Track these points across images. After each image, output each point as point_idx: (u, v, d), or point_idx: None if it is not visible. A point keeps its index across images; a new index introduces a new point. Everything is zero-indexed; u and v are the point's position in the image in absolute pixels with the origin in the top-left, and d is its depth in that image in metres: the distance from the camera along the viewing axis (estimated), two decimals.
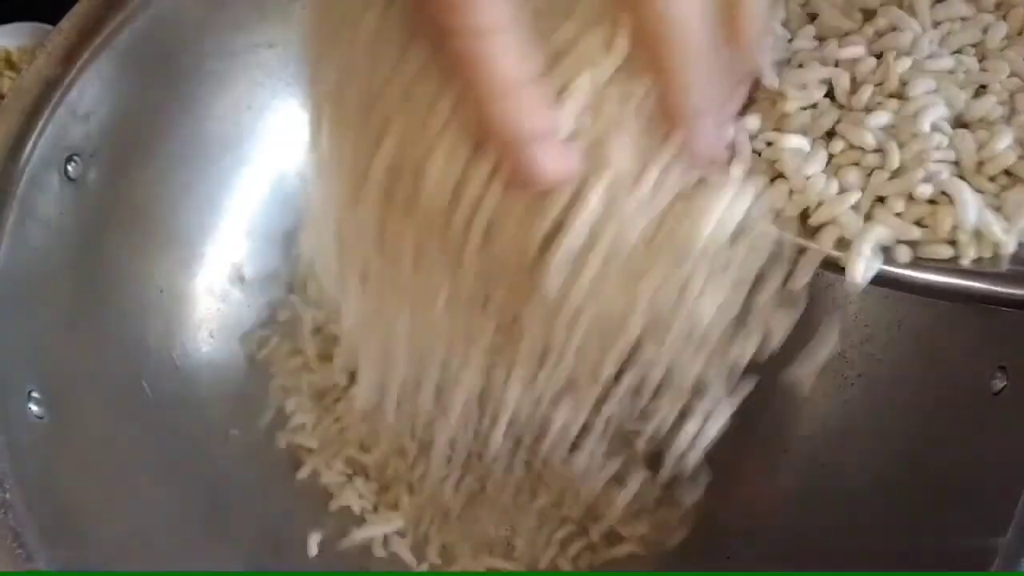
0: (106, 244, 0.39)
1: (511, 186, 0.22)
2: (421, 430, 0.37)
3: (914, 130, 0.24)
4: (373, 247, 0.26)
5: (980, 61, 0.26)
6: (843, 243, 0.24)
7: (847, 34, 0.27)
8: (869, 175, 0.25)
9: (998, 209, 0.24)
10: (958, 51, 0.26)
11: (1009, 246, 0.23)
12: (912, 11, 0.27)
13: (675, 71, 0.21)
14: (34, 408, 0.33)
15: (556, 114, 0.21)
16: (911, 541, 0.34)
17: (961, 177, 0.24)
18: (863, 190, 0.24)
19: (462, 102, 0.21)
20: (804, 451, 0.41)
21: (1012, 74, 0.26)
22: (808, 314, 0.43)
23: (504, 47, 0.19)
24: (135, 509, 0.37)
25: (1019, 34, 0.27)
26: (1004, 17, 0.27)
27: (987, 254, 0.24)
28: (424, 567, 0.41)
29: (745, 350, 0.27)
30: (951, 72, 0.26)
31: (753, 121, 0.25)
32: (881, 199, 0.24)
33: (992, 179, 0.24)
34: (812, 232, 0.25)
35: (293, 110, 0.46)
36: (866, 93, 0.26)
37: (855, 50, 0.26)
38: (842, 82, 0.26)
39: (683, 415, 0.30)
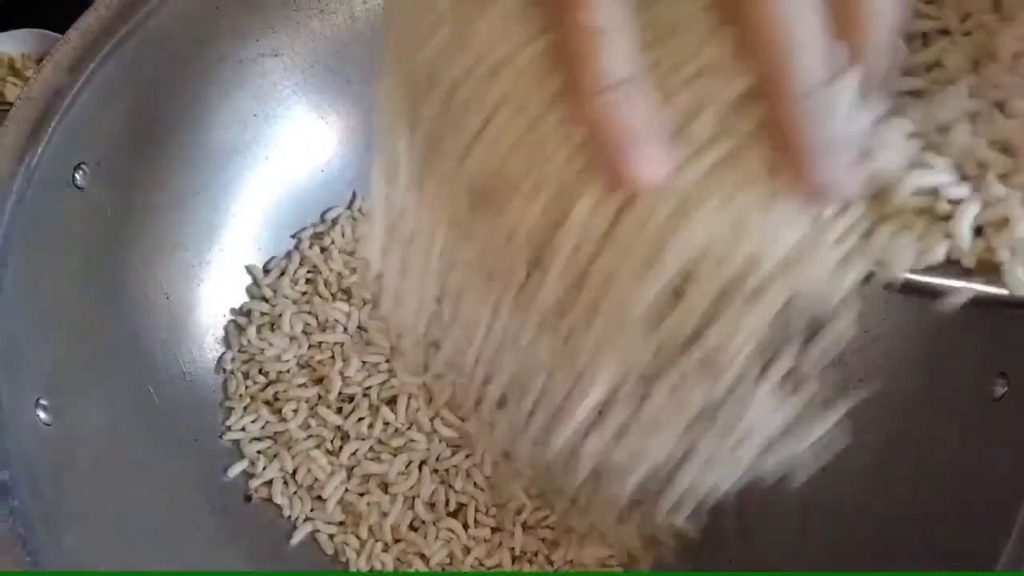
0: (113, 251, 0.40)
1: (607, 186, 0.21)
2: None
3: None
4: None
5: None
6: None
7: None
8: None
9: None
10: None
11: None
12: None
13: (786, 81, 0.19)
14: (42, 415, 0.33)
15: (661, 115, 0.20)
16: (913, 545, 0.34)
17: None
18: None
19: (566, 96, 0.21)
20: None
21: None
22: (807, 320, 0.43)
23: (613, 45, 0.20)
24: (142, 514, 0.37)
25: None
26: None
27: None
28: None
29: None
30: None
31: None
32: None
33: None
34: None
35: (298, 118, 0.47)
36: None
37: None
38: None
39: None
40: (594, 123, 0.20)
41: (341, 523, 0.42)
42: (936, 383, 0.37)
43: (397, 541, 0.41)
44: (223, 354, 0.44)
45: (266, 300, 0.46)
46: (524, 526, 0.42)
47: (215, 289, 0.45)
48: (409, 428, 0.43)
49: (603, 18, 0.20)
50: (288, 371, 0.44)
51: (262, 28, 0.44)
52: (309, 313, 0.45)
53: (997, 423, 0.33)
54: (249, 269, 0.46)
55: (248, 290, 0.46)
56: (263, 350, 0.44)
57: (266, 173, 0.46)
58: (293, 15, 0.44)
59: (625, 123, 0.20)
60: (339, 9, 0.45)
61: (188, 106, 0.42)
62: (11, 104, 0.35)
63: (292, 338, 0.44)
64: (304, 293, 0.46)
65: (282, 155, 0.46)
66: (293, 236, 0.47)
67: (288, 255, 0.47)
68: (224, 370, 0.44)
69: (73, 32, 0.37)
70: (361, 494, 0.42)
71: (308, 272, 0.46)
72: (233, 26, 0.42)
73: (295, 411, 0.43)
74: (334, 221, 0.48)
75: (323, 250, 0.47)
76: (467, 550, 0.41)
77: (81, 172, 0.37)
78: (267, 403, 0.43)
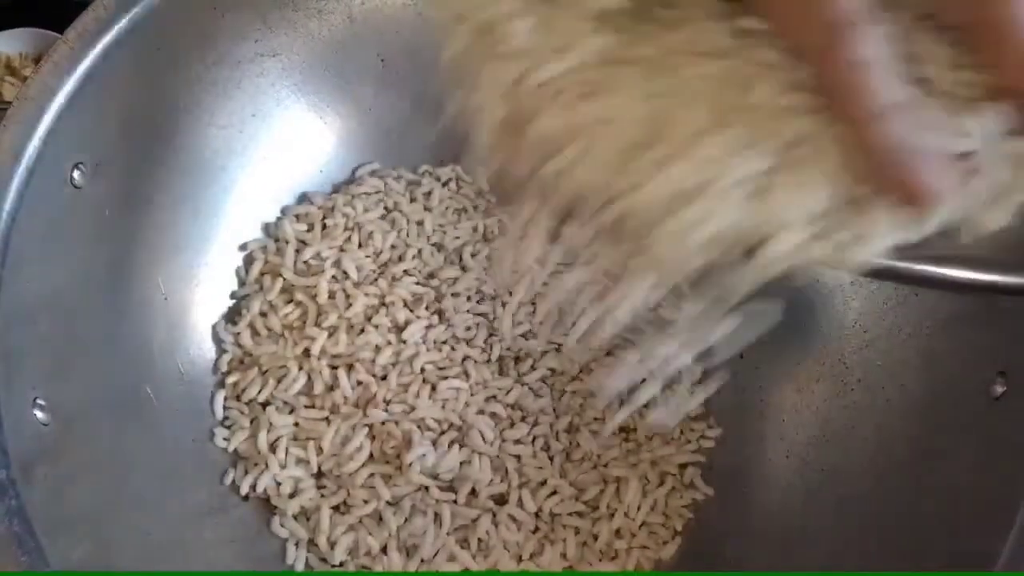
0: (111, 251, 0.39)
1: (901, 200, 0.22)
2: None
3: None
4: None
5: None
6: None
7: None
8: None
9: None
10: None
11: None
12: None
13: None
14: (39, 415, 0.33)
15: (940, 132, 0.21)
16: (913, 545, 0.34)
17: None
18: None
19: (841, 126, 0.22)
20: (805, 456, 0.42)
21: None
22: (808, 321, 0.44)
23: (883, 73, 0.21)
24: (139, 515, 0.37)
25: None
26: None
27: None
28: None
29: None
30: None
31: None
32: None
33: None
34: None
35: (297, 118, 0.47)
36: None
37: None
38: None
39: None
40: (877, 147, 0.21)
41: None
42: (935, 383, 0.38)
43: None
44: (221, 355, 0.44)
45: (259, 299, 0.45)
46: None
47: (214, 290, 0.45)
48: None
49: (870, 52, 0.21)
50: (284, 370, 0.44)
51: (260, 29, 0.44)
52: (303, 313, 0.45)
53: (996, 422, 0.33)
54: (237, 271, 0.46)
55: (242, 290, 0.46)
56: (258, 351, 0.44)
57: (265, 173, 0.46)
58: (291, 16, 0.44)
59: (912, 143, 0.21)
60: (337, 9, 0.45)
61: (186, 106, 0.42)
62: (9, 103, 0.35)
63: (284, 338, 0.44)
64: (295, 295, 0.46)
65: (281, 155, 0.46)
66: (278, 241, 0.47)
67: (278, 251, 0.46)
68: (221, 371, 0.44)
69: (71, 32, 0.37)
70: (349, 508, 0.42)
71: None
72: (232, 26, 0.42)
73: (292, 411, 0.43)
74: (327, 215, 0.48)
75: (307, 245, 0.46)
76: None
77: (79, 172, 0.37)
78: (264, 404, 0.43)
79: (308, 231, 0.47)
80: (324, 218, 0.47)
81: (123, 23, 0.37)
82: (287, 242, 0.46)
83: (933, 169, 0.21)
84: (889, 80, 0.21)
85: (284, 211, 0.47)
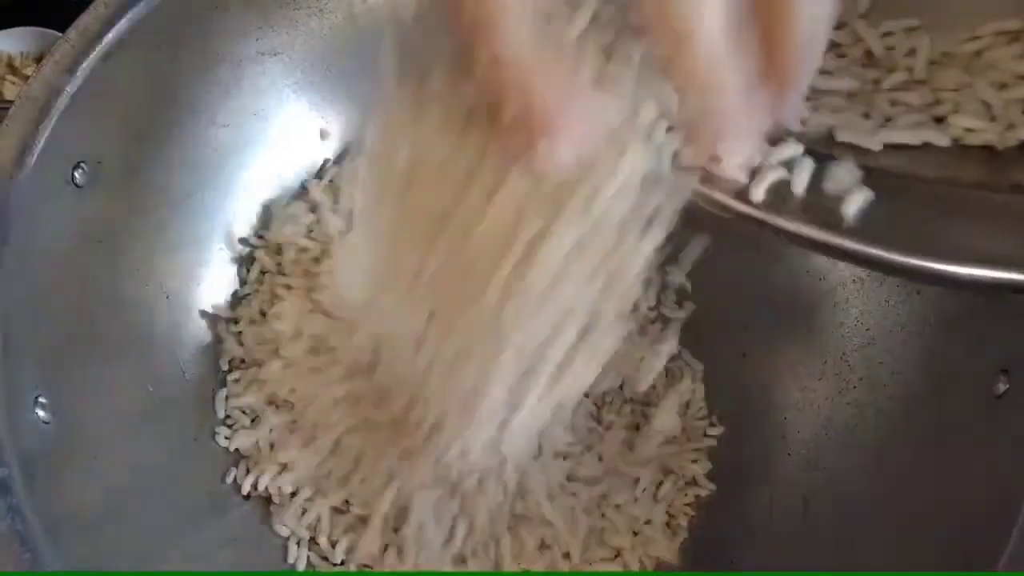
0: (112, 250, 0.39)
1: (518, 161, 0.21)
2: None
3: None
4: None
5: None
6: None
7: None
8: None
9: None
10: None
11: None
12: None
13: (697, 75, 0.20)
14: (41, 413, 0.33)
15: (582, 93, 0.20)
16: (914, 544, 0.34)
17: None
18: None
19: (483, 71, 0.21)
20: (806, 454, 0.42)
21: None
22: (809, 319, 0.44)
23: (515, 20, 0.20)
24: (140, 513, 0.37)
25: None
26: None
27: None
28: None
29: None
30: None
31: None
32: None
33: None
34: None
35: (298, 117, 0.47)
36: None
37: None
38: None
39: None
40: (514, 94, 0.20)
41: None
42: (937, 380, 0.37)
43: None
44: (222, 354, 0.44)
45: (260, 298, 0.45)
46: None
47: (215, 289, 0.45)
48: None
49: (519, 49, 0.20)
50: (285, 368, 0.44)
51: (261, 27, 0.44)
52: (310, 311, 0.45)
53: (999, 420, 0.33)
54: (238, 270, 0.46)
55: (243, 289, 0.46)
56: (260, 349, 0.44)
57: (266, 172, 0.46)
58: (292, 14, 0.44)
59: (551, 96, 0.20)
60: (338, 8, 0.45)
61: (187, 105, 0.42)
62: (10, 103, 0.35)
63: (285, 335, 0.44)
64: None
65: (282, 154, 0.47)
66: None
67: (278, 248, 0.46)
68: (222, 369, 0.44)
69: (72, 31, 0.37)
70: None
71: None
72: (232, 25, 0.43)
73: (291, 410, 0.43)
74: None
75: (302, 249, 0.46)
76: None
77: (81, 171, 0.37)
78: (268, 403, 0.43)
79: (310, 231, 0.47)
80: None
81: (124, 22, 0.37)
82: (288, 241, 0.46)
83: (549, 106, 0.20)
84: (518, 25, 0.20)
85: (285, 210, 0.47)
